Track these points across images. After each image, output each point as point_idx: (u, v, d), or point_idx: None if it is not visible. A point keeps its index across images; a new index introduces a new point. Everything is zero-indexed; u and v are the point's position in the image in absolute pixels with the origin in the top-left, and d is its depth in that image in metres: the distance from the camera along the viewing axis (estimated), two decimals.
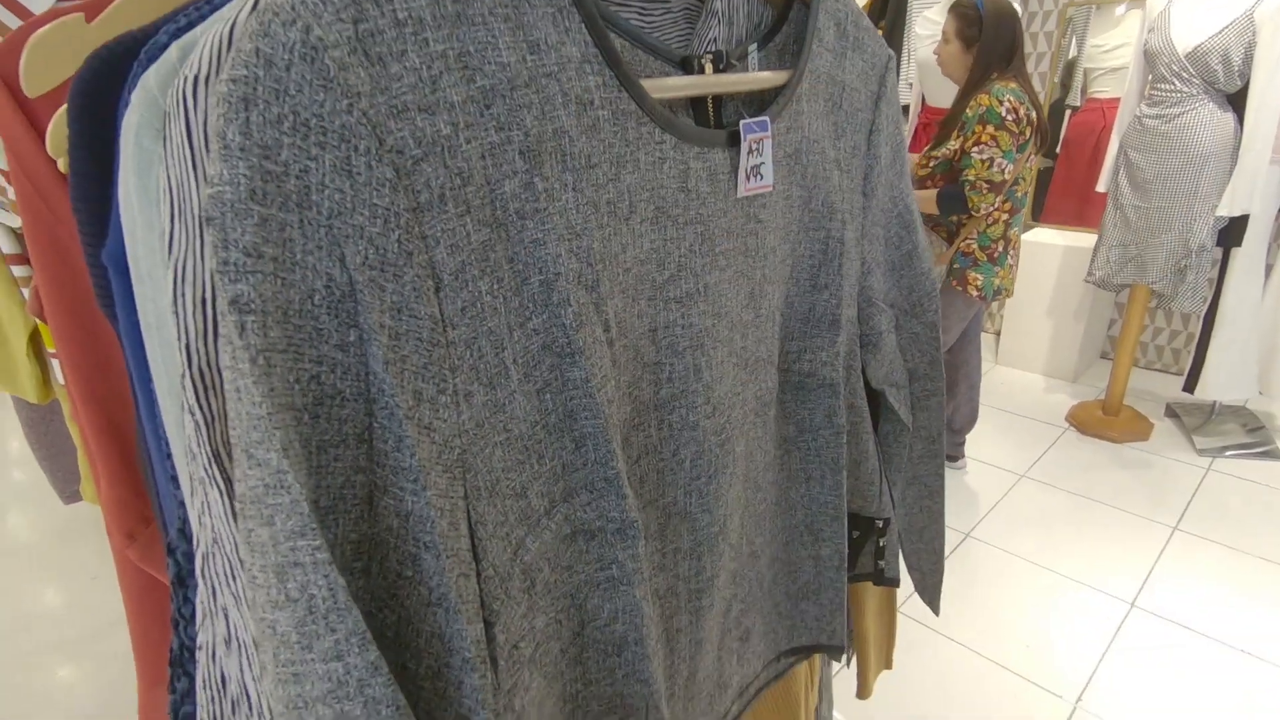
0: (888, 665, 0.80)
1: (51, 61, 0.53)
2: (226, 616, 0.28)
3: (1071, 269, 2.79)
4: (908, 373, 0.61)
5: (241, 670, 0.28)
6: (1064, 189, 3.08)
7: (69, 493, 1.20)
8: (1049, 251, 2.85)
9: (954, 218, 1.89)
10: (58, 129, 0.52)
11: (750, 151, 0.39)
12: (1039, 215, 3.14)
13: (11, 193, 0.82)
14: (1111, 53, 2.84)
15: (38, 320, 0.88)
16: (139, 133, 0.26)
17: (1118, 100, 2.37)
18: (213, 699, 0.29)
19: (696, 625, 0.46)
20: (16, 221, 0.83)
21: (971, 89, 1.82)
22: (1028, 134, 1.78)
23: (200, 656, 0.29)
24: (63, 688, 1.62)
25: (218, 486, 0.27)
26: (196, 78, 0.25)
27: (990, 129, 1.75)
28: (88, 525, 2.10)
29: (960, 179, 1.80)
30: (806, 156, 0.45)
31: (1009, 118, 1.74)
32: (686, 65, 0.36)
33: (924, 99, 2.75)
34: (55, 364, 0.88)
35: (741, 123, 0.38)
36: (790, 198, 0.46)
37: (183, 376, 0.26)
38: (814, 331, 0.49)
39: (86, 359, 0.60)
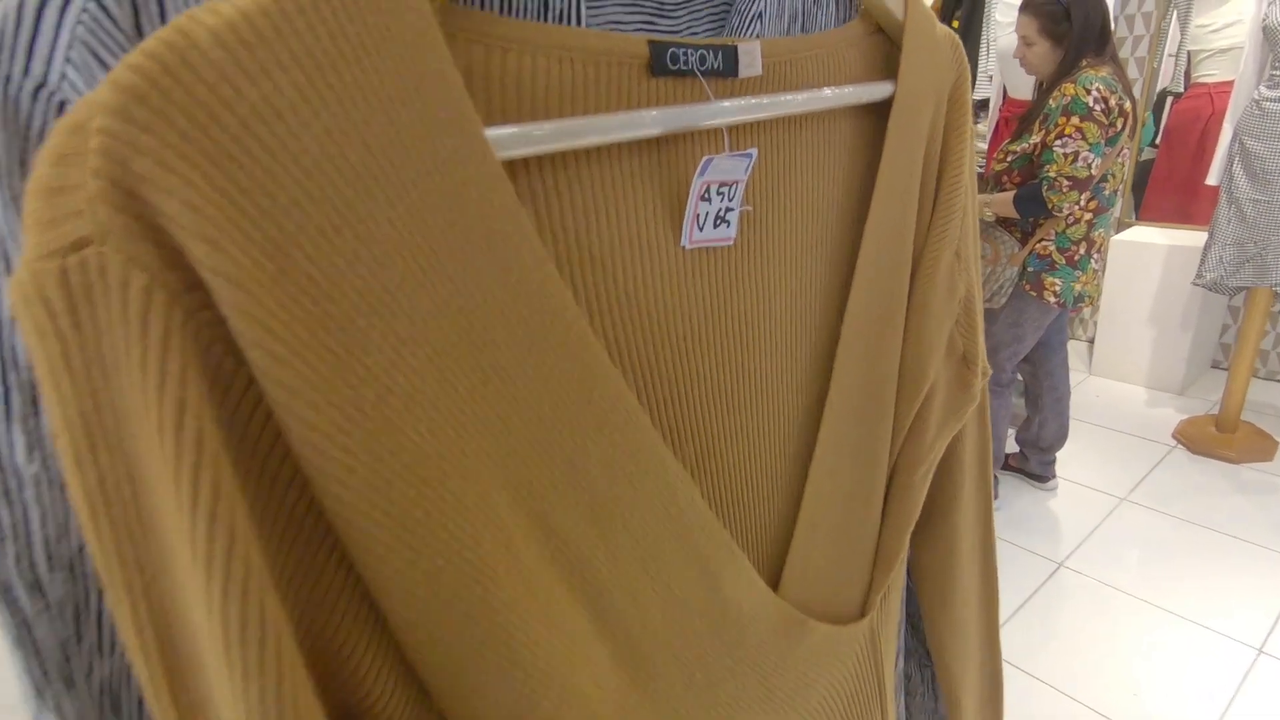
0: None
1: None
2: None
3: (1176, 270, 2.54)
4: None
5: None
6: (1166, 183, 2.83)
7: None
8: (1150, 252, 2.61)
9: (1066, 216, 1.72)
10: None
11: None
12: (1139, 212, 2.89)
13: None
14: (1220, 33, 2.58)
15: None
16: None
17: (1227, 84, 2.15)
18: None
19: None
20: None
21: (1058, 79, 1.66)
22: (1120, 125, 1.61)
23: None
24: None
25: (11, 633, 0.20)
26: None
27: (1075, 120, 1.59)
28: None
29: (1040, 175, 1.64)
30: None
31: (1097, 108, 1.57)
32: (659, 59, 0.26)
33: (1005, 91, 2.57)
34: None
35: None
36: None
37: None
38: None
39: None
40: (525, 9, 0.25)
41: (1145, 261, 2.63)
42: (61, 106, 0.19)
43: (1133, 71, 2.78)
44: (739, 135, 0.31)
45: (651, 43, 0.27)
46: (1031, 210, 1.69)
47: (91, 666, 0.21)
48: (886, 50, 0.38)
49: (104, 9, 0.19)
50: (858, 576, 0.43)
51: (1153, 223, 2.84)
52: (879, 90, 0.36)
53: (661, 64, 0.27)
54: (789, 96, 0.31)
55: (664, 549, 0.30)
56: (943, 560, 0.54)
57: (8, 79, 0.18)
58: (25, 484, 0.20)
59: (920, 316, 0.41)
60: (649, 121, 0.27)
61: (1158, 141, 2.85)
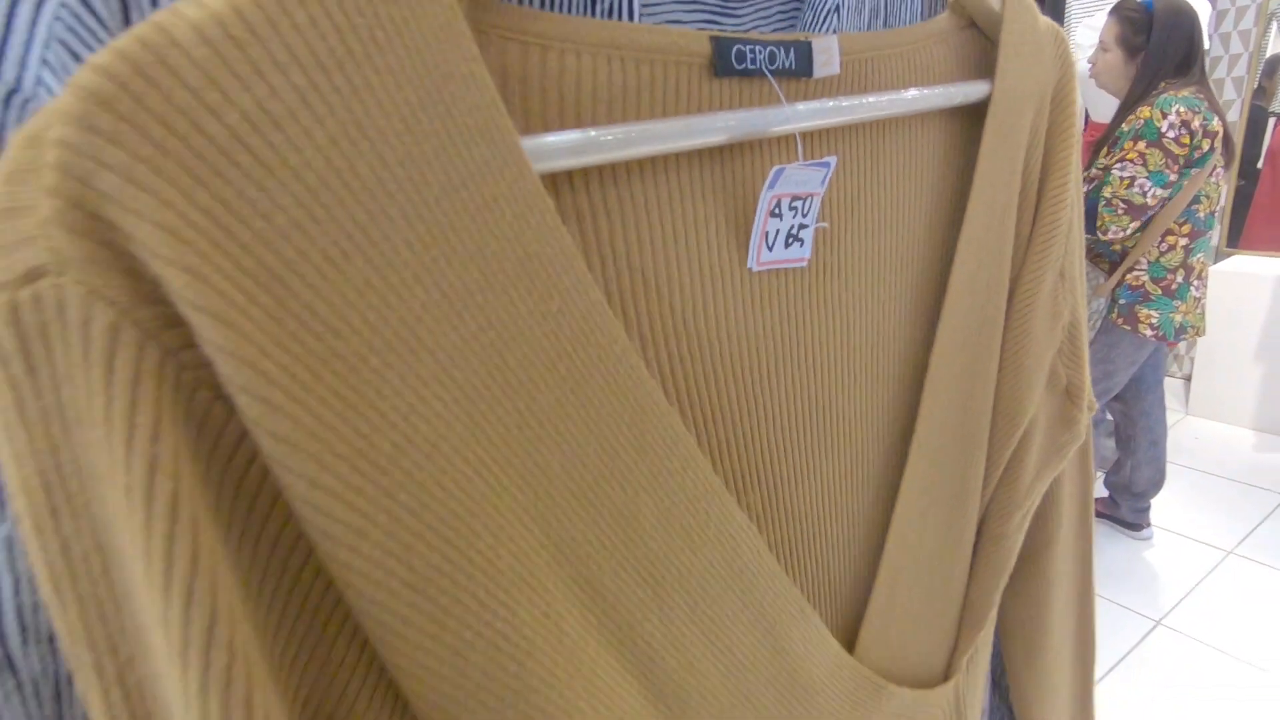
0: None
1: None
2: None
3: None
4: None
5: None
6: (1270, 209, 2.63)
7: None
8: (1253, 283, 2.42)
9: (1116, 246, 1.62)
10: None
11: None
12: (1237, 241, 2.70)
13: None
14: None
15: None
16: None
17: None
18: None
19: None
20: None
21: (1134, 103, 1.57)
22: (1205, 147, 1.50)
23: None
24: None
25: None
26: None
27: (1141, 145, 1.50)
28: None
29: (1095, 194, 1.56)
30: None
31: (1170, 134, 1.47)
32: (722, 58, 0.23)
33: (1088, 115, 2.45)
34: None
35: None
36: None
37: None
38: None
39: None
40: (569, 3, 0.22)
41: (1249, 293, 2.44)
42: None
43: (1229, 92, 2.62)
44: (814, 142, 0.27)
45: (714, 39, 0.24)
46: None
47: None
48: (981, 46, 0.34)
49: (86, 4, 0.17)
50: (943, 636, 0.38)
51: (1255, 251, 2.64)
52: (973, 91, 0.32)
53: (726, 63, 0.24)
54: (871, 98, 0.28)
55: (725, 610, 0.26)
56: (1033, 613, 0.48)
57: None
58: None
59: (1019, 344, 0.37)
60: (712, 127, 0.23)
61: (1259, 166, 2.67)
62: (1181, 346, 2.86)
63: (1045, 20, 0.36)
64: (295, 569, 0.17)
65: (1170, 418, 2.61)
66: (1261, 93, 2.59)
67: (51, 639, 0.19)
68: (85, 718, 0.19)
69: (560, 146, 0.20)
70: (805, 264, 0.27)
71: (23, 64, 0.16)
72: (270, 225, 0.15)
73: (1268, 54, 2.54)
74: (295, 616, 0.17)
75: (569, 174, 0.22)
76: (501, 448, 0.19)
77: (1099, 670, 1.56)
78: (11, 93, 0.16)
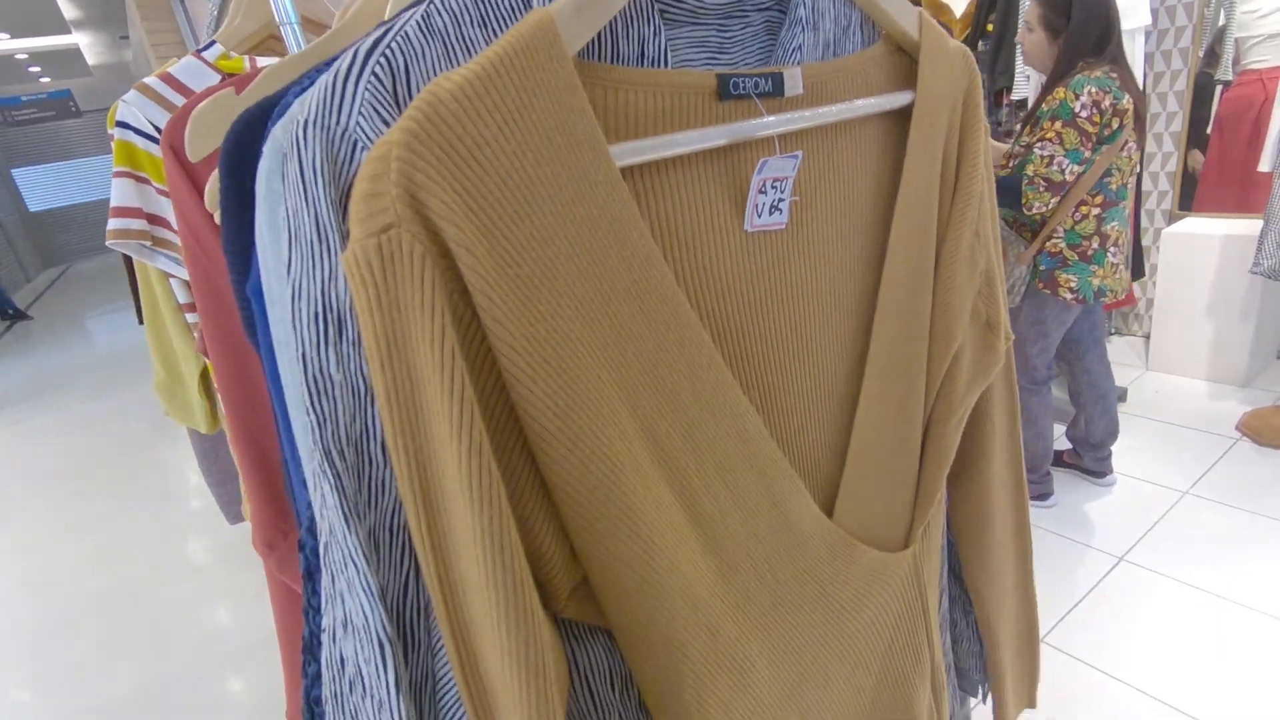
0: (1030, 704, 0.74)
1: (210, 130, 0.61)
2: (343, 601, 0.31)
3: (1233, 260, 2.50)
4: None
5: (356, 652, 0.31)
6: (1219, 173, 2.78)
7: (233, 513, 1.35)
8: (1204, 243, 2.57)
9: (1037, 217, 1.74)
10: (213, 186, 0.60)
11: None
12: (1189, 204, 2.85)
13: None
14: (1268, 18, 2.55)
15: (206, 359, 1.00)
16: (269, 177, 0.31)
17: (1279, 70, 2.12)
18: (334, 678, 0.32)
19: None
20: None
21: (1055, 81, 1.69)
22: (1115, 124, 1.62)
23: (324, 639, 0.32)
24: (233, 695, 1.80)
25: (329, 481, 0.30)
26: (306, 121, 0.29)
27: (1058, 125, 1.61)
28: (253, 549, 2.34)
29: (1020, 171, 1.69)
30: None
31: (1083, 114, 1.59)
32: (723, 87, 0.35)
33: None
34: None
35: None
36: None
37: (302, 382, 0.29)
38: None
39: (236, 387, 0.68)
40: (628, 59, 0.34)
41: (1199, 253, 2.59)
42: (354, 144, 0.28)
43: (1176, 62, 2.76)
44: (787, 141, 0.39)
45: (718, 75, 0.35)
46: (1005, 199, 1.71)
47: (363, 515, 0.30)
48: (907, 66, 0.46)
49: (379, 80, 0.29)
50: (901, 512, 0.50)
51: (1206, 213, 2.79)
52: (901, 99, 0.44)
53: (726, 90, 0.36)
54: (826, 109, 0.39)
55: (737, 469, 0.38)
56: (977, 511, 0.60)
57: (328, 127, 0.28)
58: (335, 386, 0.30)
59: (946, 286, 0.48)
60: (718, 134, 0.35)
61: (1208, 131, 2.81)
62: (1141, 306, 3.02)
63: (955, 42, 0.48)
64: (494, 402, 0.29)
65: (1131, 373, 2.78)
66: (1214, 59, 2.73)
67: (357, 444, 0.31)
68: (371, 493, 0.31)
69: (627, 150, 0.32)
70: (784, 227, 0.39)
71: (350, 114, 0.28)
72: (485, 199, 0.27)
73: (1218, 24, 2.67)
74: (494, 431, 0.29)
75: (632, 167, 0.33)
76: (600, 340, 0.31)
77: (1069, 602, 1.71)
78: (344, 131, 0.28)
